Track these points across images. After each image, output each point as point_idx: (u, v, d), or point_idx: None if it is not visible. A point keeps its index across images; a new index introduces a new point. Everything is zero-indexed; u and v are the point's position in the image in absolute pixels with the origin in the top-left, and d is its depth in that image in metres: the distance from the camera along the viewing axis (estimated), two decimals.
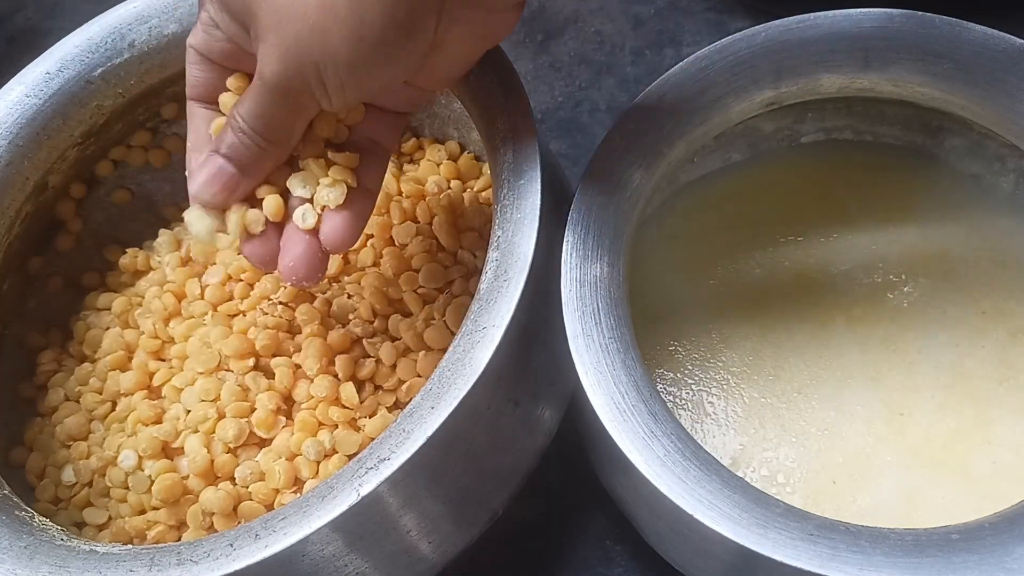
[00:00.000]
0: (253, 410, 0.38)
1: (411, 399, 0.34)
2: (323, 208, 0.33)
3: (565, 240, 0.36)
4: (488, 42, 0.33)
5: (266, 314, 0.40)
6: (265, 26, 0.29)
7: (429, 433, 0.31)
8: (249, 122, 0.31)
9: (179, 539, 0.38)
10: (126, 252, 0.45)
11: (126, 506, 0.38)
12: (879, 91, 0.39)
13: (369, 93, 0.31)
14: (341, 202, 0.33)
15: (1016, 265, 0.40)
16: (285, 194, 0.33)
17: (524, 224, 0.34)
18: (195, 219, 0.33)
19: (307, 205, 0.33)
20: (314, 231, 0.33)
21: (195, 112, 0.34)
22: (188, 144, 0.34)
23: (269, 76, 0.30)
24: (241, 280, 0.41)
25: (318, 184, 0.33)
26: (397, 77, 0.31)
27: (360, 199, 0.34)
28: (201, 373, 0.39)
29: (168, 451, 0.38)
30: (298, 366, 0.39)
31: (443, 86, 0.34)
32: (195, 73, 0.34)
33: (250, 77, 0.32)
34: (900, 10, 0.39)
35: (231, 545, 0.31)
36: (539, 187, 0.34)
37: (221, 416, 0.38)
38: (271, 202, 0.33)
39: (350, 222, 0.33)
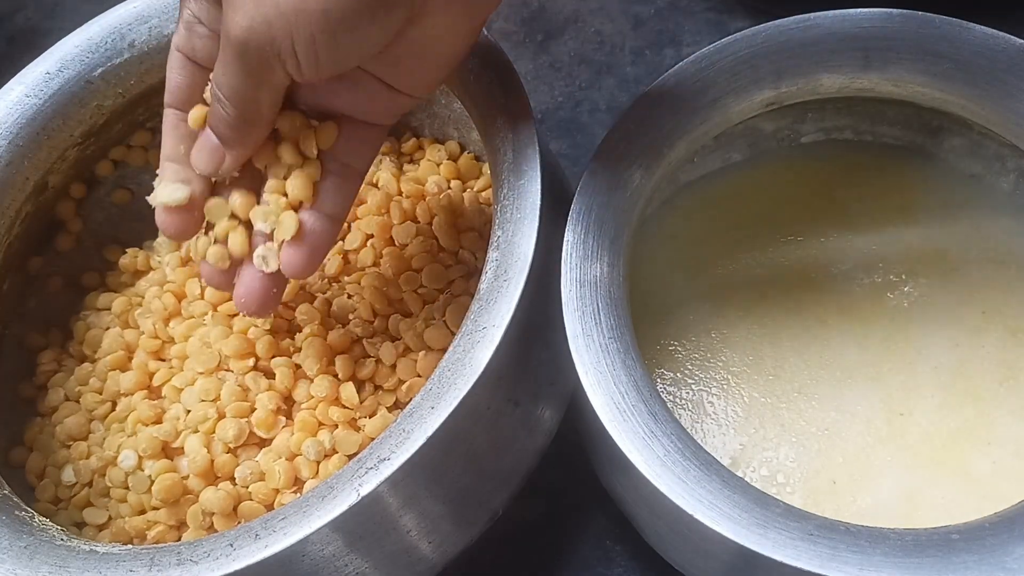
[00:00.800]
0: (253, 410, 0.38)
1: (411, 399, 0.34)
2: (281, 241, 0.33)
3: (565, 240, 0.36)
4: (471, 20, 0.31)
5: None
6: None
7: (429, 433, 0.31)
8: (221, 90, 0.30)
9: (179, 539, 0.38)
10: (126, 252, 0.45)
11: (126, 506, 0.38)
12: (879, 91, 0.39)
13: (344, 62, 0.29)
14: (292, 235, 0.32)
15: (1016, 265, 0.40)
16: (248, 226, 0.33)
17: (524, 224, 0.34)
18: (160, 190, 0.33)
19: (269, 246, 0.33)
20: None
21: (172, 121, 0.34)
22: (163, 153, 0.34)
23: (235, 35, 0.28)
24: None
25: (277, 219, 0.33)
26: (376, 43, 0.29)
27: (322, 228, 0.33)
28: (201, 373, 0.39)
29: (168, 451, 0.38)
30: (298, 366, 0.39)
31: (424, 89, 0.33)
32: (176, 78, 0.33)
33: None
34: (900, 10, 0.39)
35: (231, 545, 0.31)
36: (539, 187, 0.34)
37: (221, 416, 0.38)
38: (236, 239, 0.33)
39: (306, 255, 0.33)
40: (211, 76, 0.31)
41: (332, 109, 0.33)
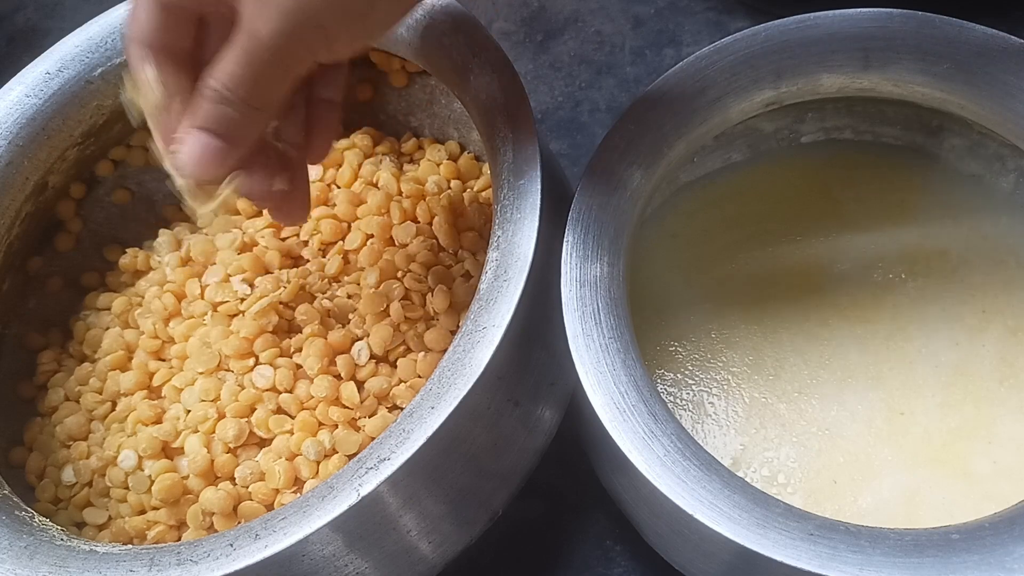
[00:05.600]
0: (253, 410, 0.38)
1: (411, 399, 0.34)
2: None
3: (565, 240, 0.36)
4: None
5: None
6: None
7: (429, 433, 0.31)
8: (234, 89, 0.29)
9: (179, 539, 0.38)
10: (126, 252, 0.45)
11: (126, 506, 0.38)
12: (879, 91, 0.39)
13: (374, 38, 0.31)
14: None
15: (1016, 265, 0.40)
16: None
17: (524, 224, 0.34)
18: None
19: None
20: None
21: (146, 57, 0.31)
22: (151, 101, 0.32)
23: (267, 35, 0.28)
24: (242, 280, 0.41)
25: None
26: (403, 14, 0.30)
27: (325, 112, 0.35)
28: (201, 373, 0.39)
29: (168, 451, 0.38)
30: (298, 366, 0.39)
31: (379, 38, 0.35)
32: (150, 17, 0.30)
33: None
34: (900, 10, 0.39)
35: (231, 545, 0.31)
36: (539, 187, 0.34)
37: (221, 416, 0.38)
38: None
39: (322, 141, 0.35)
40: (208, 79, 0.30)
41: None
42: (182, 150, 0.31)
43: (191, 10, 0.31)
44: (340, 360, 0.38)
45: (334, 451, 0.37)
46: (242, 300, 0.40)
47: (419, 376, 0.38)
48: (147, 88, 0.31)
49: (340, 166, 0.44)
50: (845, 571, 0.28)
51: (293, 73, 0.30)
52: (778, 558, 0.29)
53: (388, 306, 0.39)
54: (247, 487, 0.37)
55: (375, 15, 0.29)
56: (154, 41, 0.31)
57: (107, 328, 0.43)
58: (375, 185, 0.43)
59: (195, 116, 0.30)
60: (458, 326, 0.39)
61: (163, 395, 0.40)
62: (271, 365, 0.39)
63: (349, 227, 0.42)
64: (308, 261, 0.42)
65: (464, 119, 0.44)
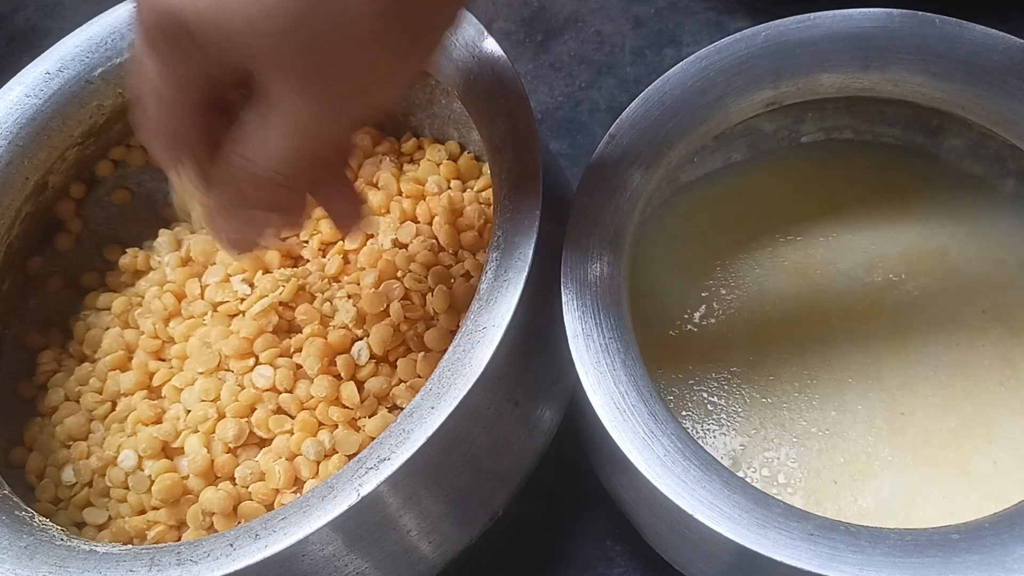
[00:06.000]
0: (253, 410, 0.38)
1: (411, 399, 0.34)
2: None
3: (565, 240, 0.36)
4: None
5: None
6: (292, 75, 0.25)
7: (429, 433, 0.31)
8: (291, 172, 0.28)
9: (179, 539, 0.38)
10: (126, 252, 0.45)
11: (126, 506, 0.38)
12: (879, 91, 0.39)
13: (414, 81, 0.31)
14: None
15: (1016, 265, 0.40)
16: None
17: (524, 224, 0.34)
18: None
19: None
20: None
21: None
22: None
23: (317, 130, 0.27)
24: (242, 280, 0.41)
25: None
26: (436, 46, 0.28)
27: None
28: (201, 373, 0.39)
29: (168, 451, 0.38)
30: (298, 366, 0.39)
31: None
32: (167, 118, 0.28)
33: None
34: (900, 10, 0.39)
35: (231, 545, 0.31)
36: (539, 187, 0.34)
37: (221, 416, 0.38)
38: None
39: None
40: (255, 167, 0.27)
41: None
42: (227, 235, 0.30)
43: (207, 103, 0.28)
44: (340, 360, 0.38)
45: (334, 451, 0.37)
46: (242, 300, 0.40)
47: (419, 376, 0.38)
48: (189, 197, 0.30)
49: None
50: (845, 571, 0.28)
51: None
52: (778, 558, 0.29)
53: (388, 306, 0.39)
54: (247, 487, 0.37)
55: (427, 60, 0.28)
56: (180, 143, 0.29)
57: (107, 328, 0.43)
58: (375, 185, 0.43)
59: (248, 199, 0.28)
60: (458, 326, 0.39)
61: (163, 395, 0.40)
62: (271, 365, 0.39)
63: None
64: (308, 261, 0.42)
65: (464, 119, 0.44)
